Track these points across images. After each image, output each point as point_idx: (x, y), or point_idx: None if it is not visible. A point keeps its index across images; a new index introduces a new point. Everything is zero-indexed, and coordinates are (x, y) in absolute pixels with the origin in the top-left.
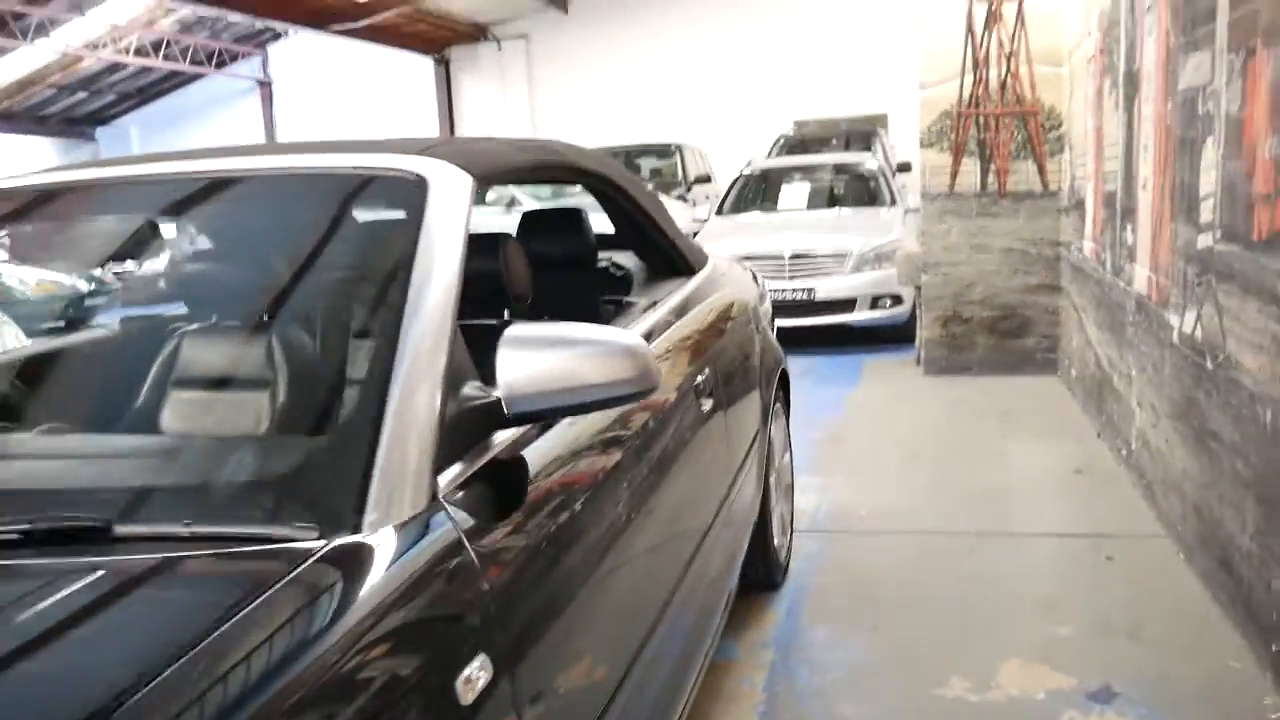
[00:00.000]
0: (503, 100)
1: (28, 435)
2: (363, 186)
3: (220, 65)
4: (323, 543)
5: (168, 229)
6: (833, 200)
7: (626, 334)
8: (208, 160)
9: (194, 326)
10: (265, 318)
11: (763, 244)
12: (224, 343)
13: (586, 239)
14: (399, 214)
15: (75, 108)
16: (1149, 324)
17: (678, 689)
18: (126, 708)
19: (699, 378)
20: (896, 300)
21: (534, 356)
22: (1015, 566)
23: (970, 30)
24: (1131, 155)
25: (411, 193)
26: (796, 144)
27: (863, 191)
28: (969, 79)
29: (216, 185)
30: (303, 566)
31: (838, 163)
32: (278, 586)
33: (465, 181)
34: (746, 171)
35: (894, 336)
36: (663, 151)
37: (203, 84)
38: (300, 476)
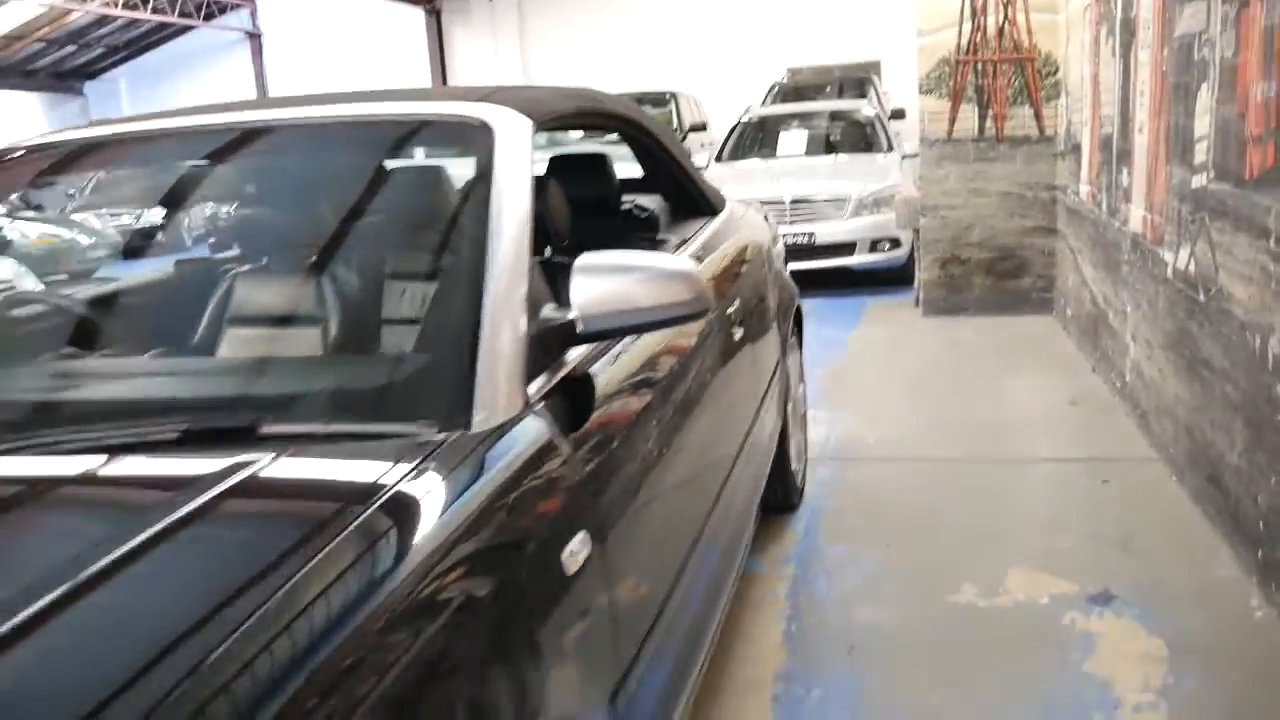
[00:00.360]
0: (494, 52)
1: (157, 359)
2: (433, 131)
3: (209, 17)
4: (442, 436)
5: (252, 174)
6: (830, 147)
7: (683, 260)
8: (287, 109)
9: (309, 260)
10: (369, 255)
11: (763, 190)
12: (335, 277)
13: (611, 182)
14: (470, 156)
15: (63, 62)
16: (1144, 261)
17: (718, 593)
18: (342, 539)
19: (729, 309)
20: (895, 244)
21: (603, 281)
22: (1016, 489)
23: None
24: (1128, 100)
25: (479, 136)
26: (791, 91)
27: (859, 138)
28: (967, 26)
29: (303, 132)
30: (431, 454)
31: (834, 109)
32: (415, 468)
33: (526, 125)
34: (744, 119)
35: (892, 279)
36: (658, 100)
37: (191, 36)
38: (417, 385)
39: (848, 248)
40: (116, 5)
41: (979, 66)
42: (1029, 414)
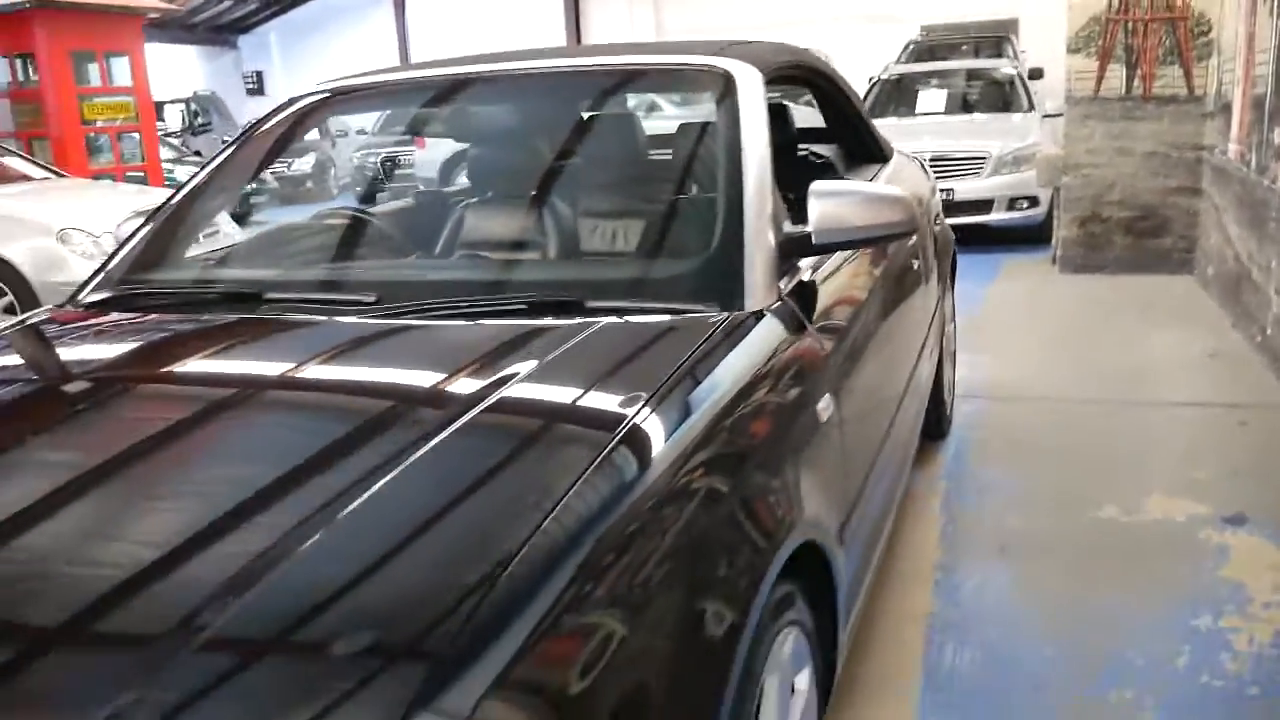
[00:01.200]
0: (629, 11)
1: (502, 254)
2: (684, 78)
3: None
4: (724, 315)
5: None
6: (968, 106)
7: (896, 189)
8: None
9: (612, 182)
10: (657, 176)
11: (902, 147)
12: (634, 195)
13: (790, 129)
14: (717, 100)
15: (220, 16)
16: None
17: (900, 474)
18: (669, 379)
19: (910, 241)
20: (1033, 202)
21: (834, 202)
22: (1153, 427)
23: None
24: None
25: (723, 83)
26: (926, 50)
27: (998, 97)
28: None
29: (580, 76)
30: (719, 327)
31: (973, 68)
32: (707, 337)
33: (758, 75)
34: (883, 76)
35: (1029, 238)
36: None
37: None
38: (700, 278)
39: (986, 205)
40: None
41: (1129, 25)
42: (1167, 364)
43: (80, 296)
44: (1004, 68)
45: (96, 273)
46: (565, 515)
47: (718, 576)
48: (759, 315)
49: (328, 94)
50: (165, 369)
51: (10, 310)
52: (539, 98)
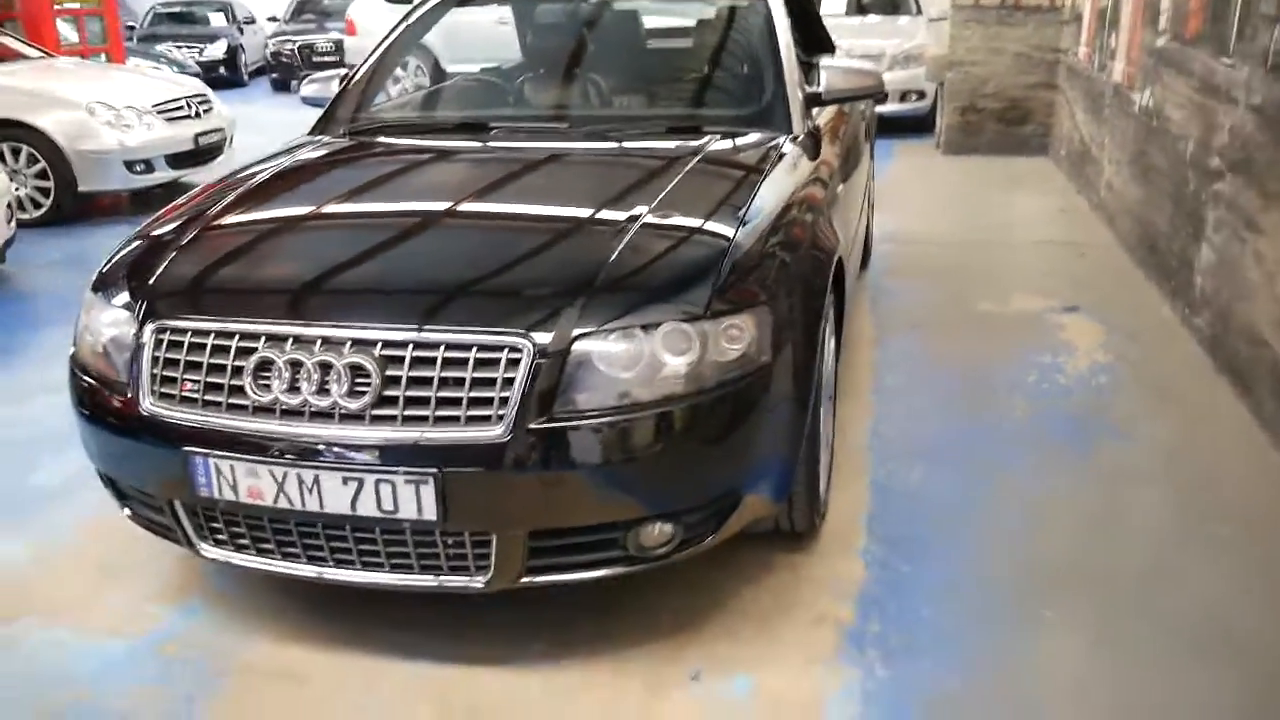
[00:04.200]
0: None
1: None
2: None
3: None
4: (787, 137)
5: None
6: (862, 9)
7: (871, 65)
8: None
9: (691, 55)
10: (724, 51)
11: None
12: (712, 62)
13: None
14: (755, 5)
15: None
16: (1120, 103)
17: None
18: (769, 166)
19: (861, 108)
20: (920, 95)
21: (836, 72)
22: (1017, 255)
23: None
24: None
25: None
26: None
27: (888, 1)
28: None
29: None
30: (787, 140)
31: None
32: (782, 143)
33: None
34: None
35: (917, 126)
36: None
37: None
38: (762, 118)
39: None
40: None
41: None
42: (1027, 217)
43: (319, 133)
44: None
45: (323, 118)
46: (757, 200)
47: (817, 255)
48: (798, 138)
49: None
50: (463, 156)
51: (44, 175)
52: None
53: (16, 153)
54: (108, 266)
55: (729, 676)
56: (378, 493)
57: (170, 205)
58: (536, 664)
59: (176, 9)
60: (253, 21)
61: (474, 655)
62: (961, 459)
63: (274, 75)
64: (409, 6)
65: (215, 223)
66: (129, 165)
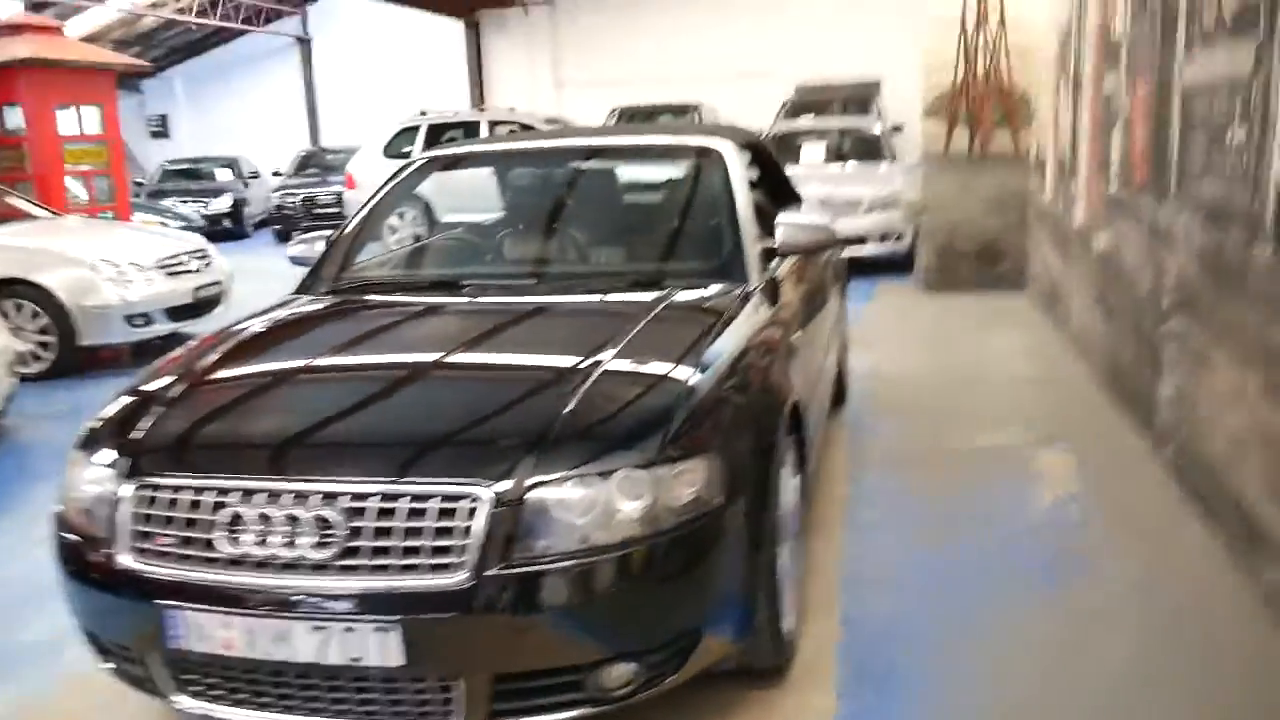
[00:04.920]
0: (529, 63)
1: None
2: (689, 150)
3: (266, 22)
4: (742, 289)
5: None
6: (841, 156)
7: (824, 219)
8: (587, 138)
9: (649, 219)
10: (681, 212)
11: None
12: (670, 225)
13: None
14: (715, 167)
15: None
16: (1083, 245)
17: (822, 410)
18: (726, 319)
19: (824, 258)
20: (898, 237)
21: (791, 228)
22: (993, 390)
23: (963, 29)
24: (1076, 133)
25: (715, 155)
26: (800, 106)
27: (866, 149)
28: (961, 68)
29: (613, 150)
30: (746, 292)
31: (845, 126)
32: (739, 295)
33: (736, 149)
34: (771, 134)
35: (896, 266)
36: (680, 110)
37: (245, 40)
38: (725, 269)
39: (862, 240)
40: (189, 11)
41: (970, 99)
42: (1003, 352)
43: (303, 291)
44: (873, 127)
45: (309, 277)
46: (713, 349)
47: (770, 399)
48: (758, 289)
49: (426, 160)
50: (437, 312)
51: (46, 330)
52: (604, 159)
53: (20, 307)
54: (92, 425)
55: None
56: (345, 641)
57: (155, 363)
58: None
59: (184, 165)
60: (257, 176)
61: None
62: (932, 592)
63: (277, 227)
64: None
65: (196, 382)
66: (129, 319)
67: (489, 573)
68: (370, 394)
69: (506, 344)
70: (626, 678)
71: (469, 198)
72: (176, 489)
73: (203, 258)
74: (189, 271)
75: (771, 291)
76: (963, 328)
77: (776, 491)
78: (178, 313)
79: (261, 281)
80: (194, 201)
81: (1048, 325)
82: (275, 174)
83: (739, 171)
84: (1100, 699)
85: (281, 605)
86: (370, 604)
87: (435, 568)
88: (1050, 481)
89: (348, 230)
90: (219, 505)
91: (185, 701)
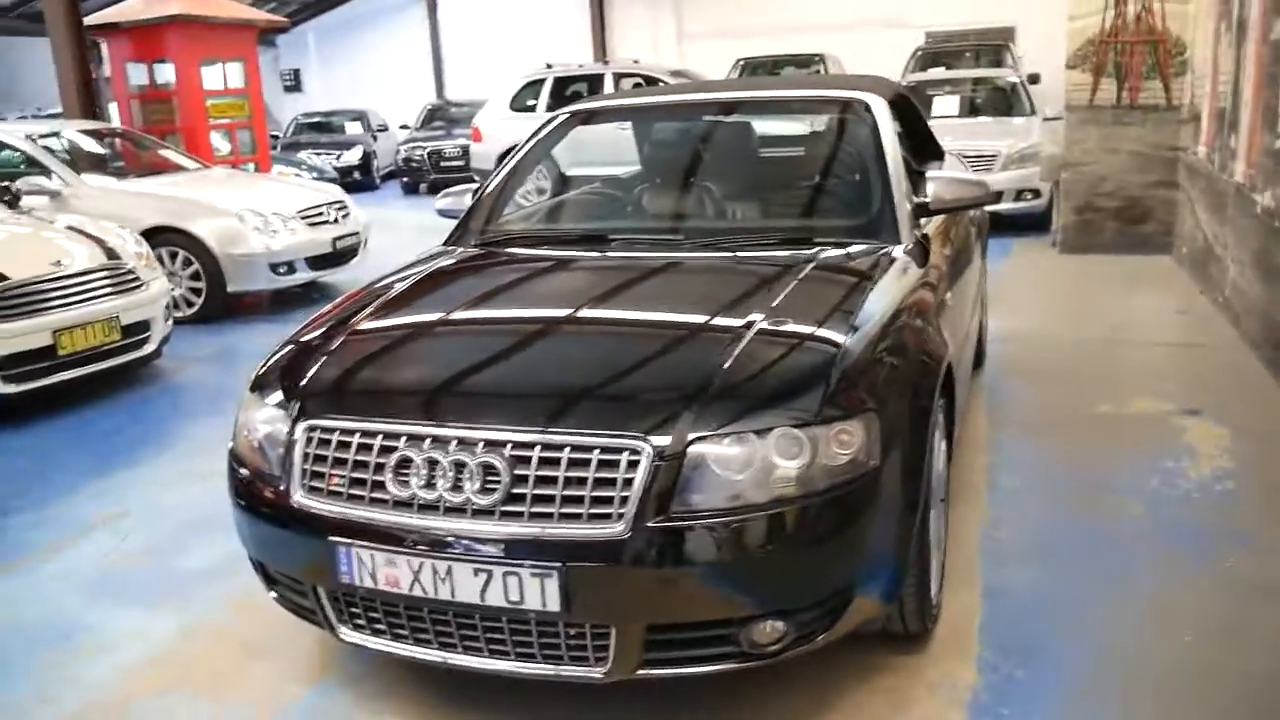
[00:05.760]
0: (652, 16)
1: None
2: (839, 103)
3: None
4: (892, 247)
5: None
6: (975, 110)
7: (976, 175)
8: (729, 91)
9: (805, 171)
10: (836, 166)
11: None
12: (826, 176)
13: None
14: (863, 120)
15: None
16: (1242, 203)
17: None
18: (879, 275)
19: (970, 216)
20: (1036, 194)
21: (941, 184)
22: (1136, 357)
23: None
24: (1238, 81)
25: (866, 106)
26: (930, 57)
27: (1002, 101)
28: (1110, 13)
29: (770, 103)
30: (897, 253)
31: (979, 76)
32: (889, 253)
33: (884, 102)
34: (902, 84)
35: (1033, 224)
36: (806, 61)
37: None
38: (871, 229)
39: (996, 196)
40: None
41: (1119, 46)
42: (1146, 317)
43: (452, 244)
44: (1007, 76)
45: (458, 229)
46: (867, 308)
47: (926, 360)
48: (908, 249)
49: (568, 114)
50: (585, 266)
51: (196, 277)
52: (748, 112)
53: (174, 256)
54: (264, 369)
55: None
56: (505, 584)
57: (319, 312)
58: None
59: (316, 119)
60: (386, 129)
61: None
62: (1077, 563)
63: (404, 179)
64: (531, 115)
65: (360, 329)
66: (273, 267)
67: (647, 524)
68: (527, 345)
69: (658, 298)
70: (777, 634)
71: (597, 151)
72: (346, 432)
73: (341, 209)
74: (328, 222)
75: (922, 250)
76: (1105, 289)
77: (931, 454)
78: (318, 262)
79: (393, 232)
80: (326, 154)
81: (1196, 289)
82: (403, 127)
83: (888, 125)
84: (1261, 682)
85: (445, 547)
86: (531, 550)
87: (594, 517)
88: (1201, 451)
89: (493, 184)
90: (387, 449)
91: (349, 633)
